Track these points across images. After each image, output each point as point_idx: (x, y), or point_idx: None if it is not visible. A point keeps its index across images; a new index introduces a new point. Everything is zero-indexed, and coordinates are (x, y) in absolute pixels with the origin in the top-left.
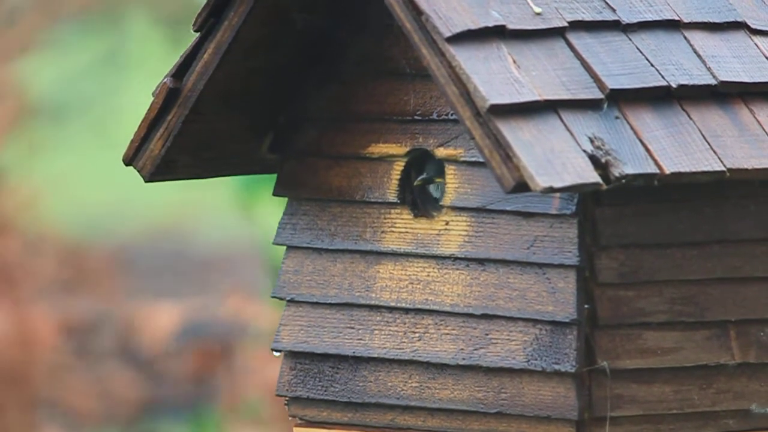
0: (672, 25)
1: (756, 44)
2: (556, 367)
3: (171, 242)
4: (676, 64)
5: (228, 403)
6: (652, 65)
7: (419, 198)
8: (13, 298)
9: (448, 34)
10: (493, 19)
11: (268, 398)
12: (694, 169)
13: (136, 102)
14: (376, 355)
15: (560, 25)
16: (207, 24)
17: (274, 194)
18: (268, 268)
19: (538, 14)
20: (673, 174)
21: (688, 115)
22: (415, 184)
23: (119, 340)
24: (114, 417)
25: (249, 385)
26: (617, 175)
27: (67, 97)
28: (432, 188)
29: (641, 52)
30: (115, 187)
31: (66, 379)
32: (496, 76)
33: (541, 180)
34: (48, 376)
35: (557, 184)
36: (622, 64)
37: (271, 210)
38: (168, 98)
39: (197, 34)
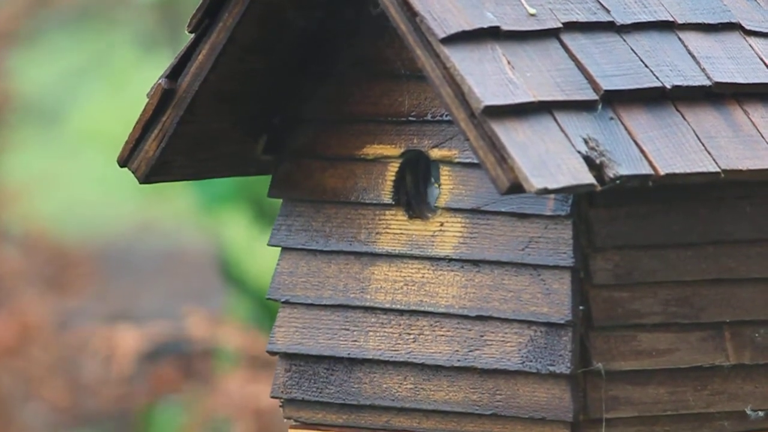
0: (666, 26)
1: (750, 45)
2: (551, 368)
3: (139, 247)
4: (671, 65)
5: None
6: (646, 66)
7: (414, 199)
8: None
9: (442, 36)
10: (488, 20)
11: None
12: (688, 170)
13: (118, 104)
14: (371, 357)
15: (555, 26)
16: (201, 25)
17: (269, 196)
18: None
19: (533, 15)
20: (667, 175)
21: (683, 116)
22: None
23: (92, 344)
24: (90, 416)
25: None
26: (612, 176)
27: (51, 97)
28: (427, 191)
29: (636, 53)
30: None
31: (41, 376)
32: (491, 78)
33: (535, 181)
34: (22, 374)
35: (552, 186)
36: (617, 65)
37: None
38: (162, 99)
39: (192, 35)
